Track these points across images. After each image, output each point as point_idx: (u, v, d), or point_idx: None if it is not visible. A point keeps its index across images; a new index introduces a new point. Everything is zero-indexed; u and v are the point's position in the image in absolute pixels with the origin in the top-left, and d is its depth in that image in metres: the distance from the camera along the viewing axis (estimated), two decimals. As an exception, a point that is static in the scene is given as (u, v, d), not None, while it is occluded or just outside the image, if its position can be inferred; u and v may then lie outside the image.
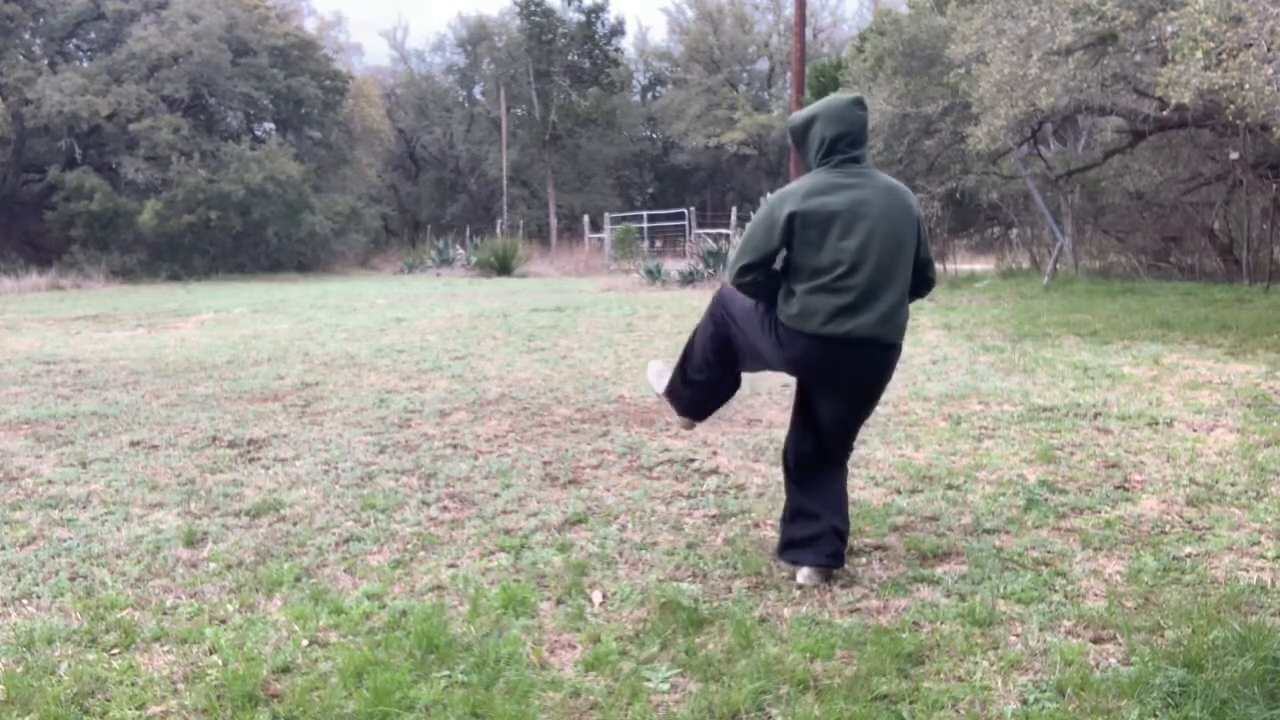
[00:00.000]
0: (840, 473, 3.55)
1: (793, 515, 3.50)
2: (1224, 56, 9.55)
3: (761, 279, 3.39)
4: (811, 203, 3.25)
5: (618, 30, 43.83)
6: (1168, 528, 3.90)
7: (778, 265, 3.40)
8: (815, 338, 3.26)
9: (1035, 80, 12.87)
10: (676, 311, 13.50)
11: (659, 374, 4.01)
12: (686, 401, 3.83)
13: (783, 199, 3.33)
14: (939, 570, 3.48)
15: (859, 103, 3.38)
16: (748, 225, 3.54)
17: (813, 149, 3.37)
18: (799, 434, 3.56)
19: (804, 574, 3.38)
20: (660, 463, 5.05)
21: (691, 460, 5.07)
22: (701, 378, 3.72)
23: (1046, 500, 4.26)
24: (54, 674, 2.77)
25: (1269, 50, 9.08)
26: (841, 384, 3.37)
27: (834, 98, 3.43)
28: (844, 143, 3.31)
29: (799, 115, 3.46)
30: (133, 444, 5.66)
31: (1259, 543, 3.68)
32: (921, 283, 3.49)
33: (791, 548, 3.44)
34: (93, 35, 32.37)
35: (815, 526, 3.40)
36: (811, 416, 3.54)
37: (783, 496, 3.73)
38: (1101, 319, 10.62)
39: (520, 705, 2.57)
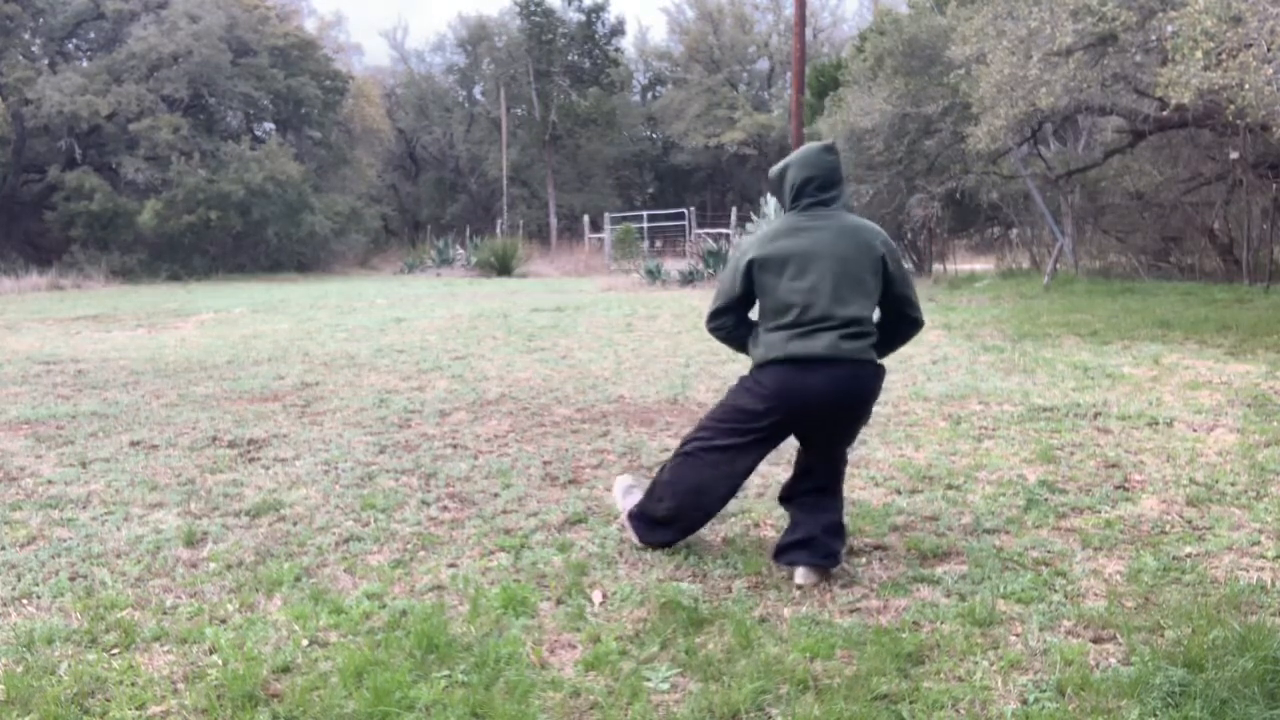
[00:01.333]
0: (828, 492, 3.58)
1: (791, 527, 3.57)
2: (1224, 56, 9.54)
3: (730, 324, 3.64)
4: (770, 248, 3.46)
5: (618, 30, 43.86)
6: (1168, 528, 3.90)
7: (754, 314, 3.59)
8: (781, 362, 3.41)
9: (1035, 80, 12.86)
10: (676, 311, 13.50)
11: (626, 490, 3.99)
12: (646, 530, 3.75)
13: (748, 246, 3.56)
14: (939, 570, 3.48)
15: (829, 149, 3.56)
16: (721, 273, 3.71)
17: (785, 193, 3.57)
18: (795, 474, 3.68)
19: (800, 574, 3.41)
20: (660, 462, 5.04)
21: (691, 460, 5.07)
22: (666, 510, 3.67)
23: (1046, 500, 4.26)
24: (54, 674, 2.77)
25: (1269, 50, 9.07)
26: (815, 405, 3.42)
27: (807, 146, 3.62)
28: (811, 186, 3.49)
29: (777, 165, 3.67)
30: (133, 444, 5.66)
31: (1259, 543, 3.68)
32: (902, 321, 3.59)
33: (787, 551, 3.49)
34: (93, 35, 32.37)
35: (807, 531, 3.46)
36: (804, 456, 3.65)
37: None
38: (1101, 319, 10.62)
39: (520, 705, 2.57)
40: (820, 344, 3.34)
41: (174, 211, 27.74)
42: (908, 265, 22.68)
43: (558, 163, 45.24)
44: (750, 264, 3.47)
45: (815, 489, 3.57)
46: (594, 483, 4.72)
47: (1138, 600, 3.17)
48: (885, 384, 7.41)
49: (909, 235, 21.85)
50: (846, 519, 4.00)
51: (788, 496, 3.66)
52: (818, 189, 3.48)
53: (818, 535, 3.42)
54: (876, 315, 3.56)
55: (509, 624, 3.09)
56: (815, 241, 3.40)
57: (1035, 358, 8.22)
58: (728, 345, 3.74)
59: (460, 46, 48.62)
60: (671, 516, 3.65)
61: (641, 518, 3.73)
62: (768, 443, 3.58)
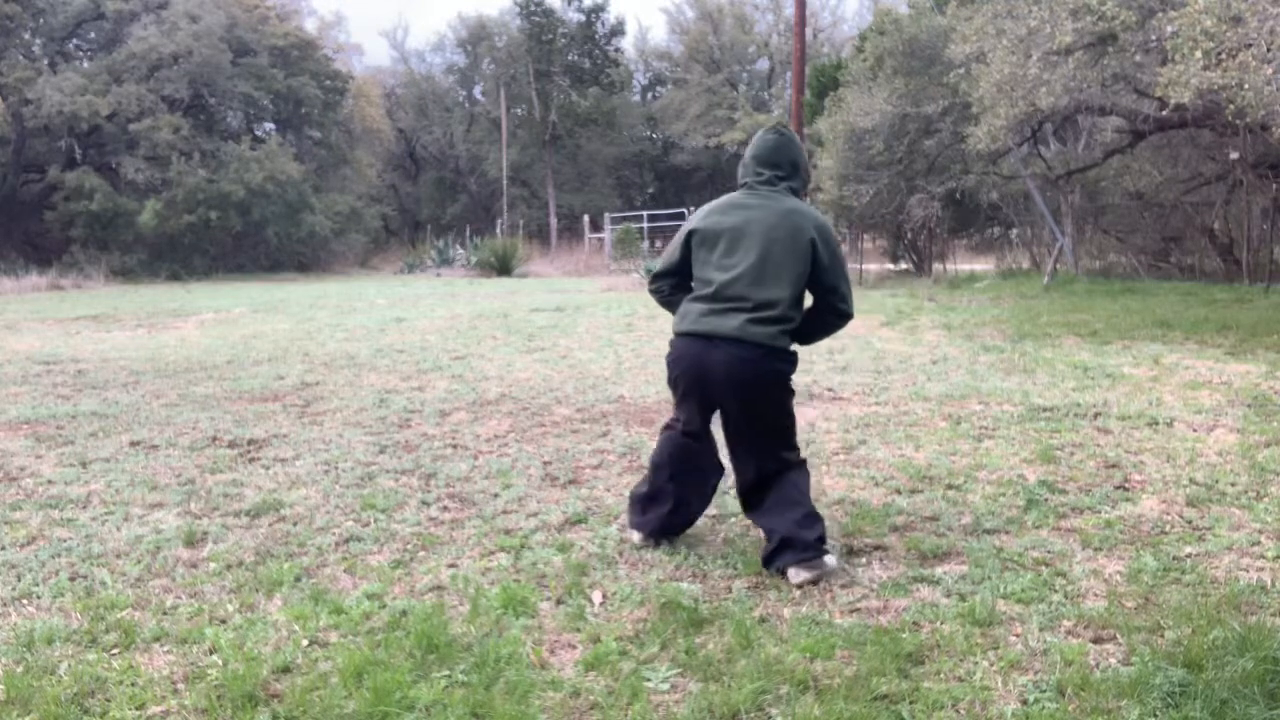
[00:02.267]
0: (781, 489, 3.56)
1: (767, 537, 3.56)
2: (1224, 56, 9.54)
3: (666, 289, 3.76)
4: (708, 220, 3.58)
5: (618, 30, 43.82)
6: (1168, 528, 3.90)
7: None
8: (684, 335, 3.54)
9: (1035, 80, 12.86)
10: (676, 311, 13.47)
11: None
12: (636, 514, 3.83)
13: (693, 217, 3.66)
14: (939, 570, 3.48)
15: (773, 129, 3.67)
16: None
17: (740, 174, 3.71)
18: (735, 477, 3.70)
19: (792, 574, 3.40)
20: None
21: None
22: (659, 492, 3.74)
23: (1046, 500, 4.26)
24: (54, 674, 2.77)
25: (1269, 50, 9.07)
26: (712, 385, 3.48)
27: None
28: (755, 164, 3.61)
29: None
30: (133, 444, 5.66)
31: (1259, 543, 3.68)
32: (829, 312, 3.59)
33: (773, 558, 3.48)
34: (93, 35, 32.39)
35: (783, 532, 3.45)
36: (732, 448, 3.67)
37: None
38: (1101, 319, 10.62)
39: (520, 705, 2.57)
40: (730, 324, 3.41)
41: (174, 211, 27.76)
42: (904, 265, 22.68)
43: (558, 163, 45.22)
44: (690, 234, 3.60)
45: (767, 489, 3.55)
46: (594, 483, 4.72)
47: (1138, 600, 3.17)
48: (885, 384, 7.44)
49: (909, 235, 21.86)
50: (846, 518, 4.01)
51: (748, 505, 3.66)
52: (760, 166, 3.58)
53: (794, 533, 3.41)
54: (809, 302, 3.58)
55: (509, 624, 3.09)
56: (749, 220, 3.48)
57: (1035, 358, 8.22)
58: (663, 308, 3.83)
59: (460, 46, 48.60)
60: (652, 493, 3.75)
61: (632, 500, 3.85)
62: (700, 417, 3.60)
